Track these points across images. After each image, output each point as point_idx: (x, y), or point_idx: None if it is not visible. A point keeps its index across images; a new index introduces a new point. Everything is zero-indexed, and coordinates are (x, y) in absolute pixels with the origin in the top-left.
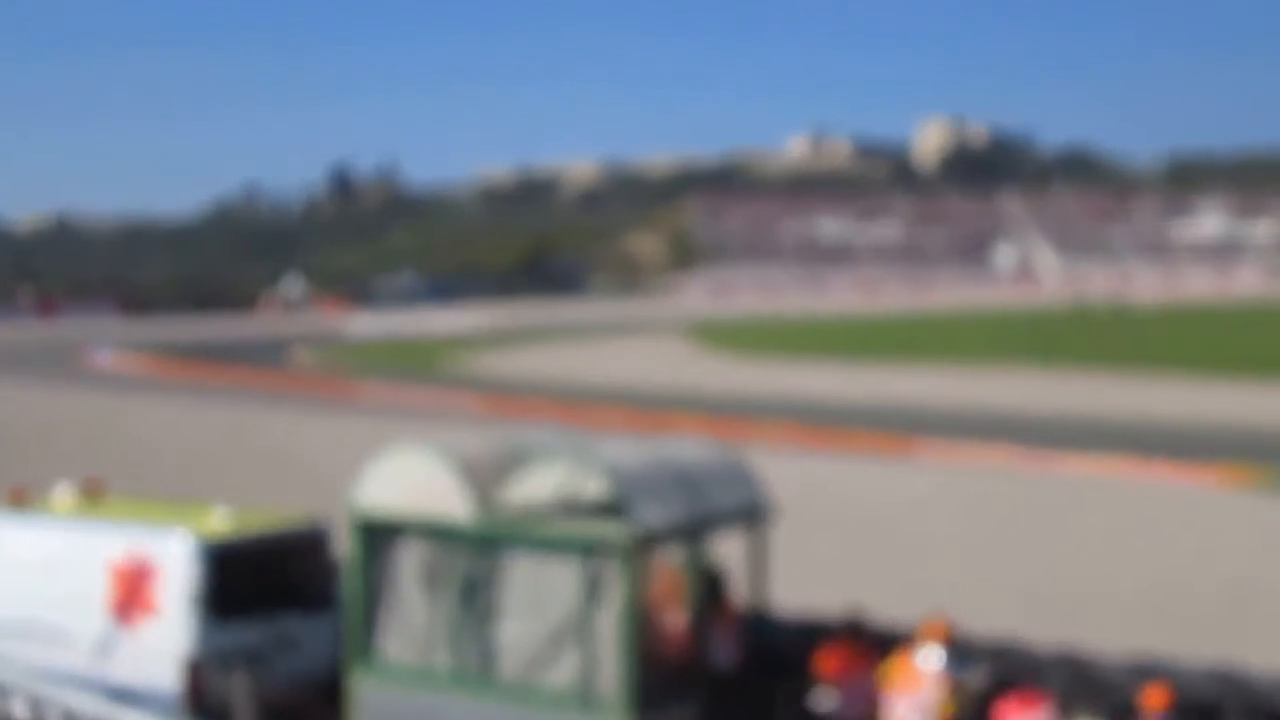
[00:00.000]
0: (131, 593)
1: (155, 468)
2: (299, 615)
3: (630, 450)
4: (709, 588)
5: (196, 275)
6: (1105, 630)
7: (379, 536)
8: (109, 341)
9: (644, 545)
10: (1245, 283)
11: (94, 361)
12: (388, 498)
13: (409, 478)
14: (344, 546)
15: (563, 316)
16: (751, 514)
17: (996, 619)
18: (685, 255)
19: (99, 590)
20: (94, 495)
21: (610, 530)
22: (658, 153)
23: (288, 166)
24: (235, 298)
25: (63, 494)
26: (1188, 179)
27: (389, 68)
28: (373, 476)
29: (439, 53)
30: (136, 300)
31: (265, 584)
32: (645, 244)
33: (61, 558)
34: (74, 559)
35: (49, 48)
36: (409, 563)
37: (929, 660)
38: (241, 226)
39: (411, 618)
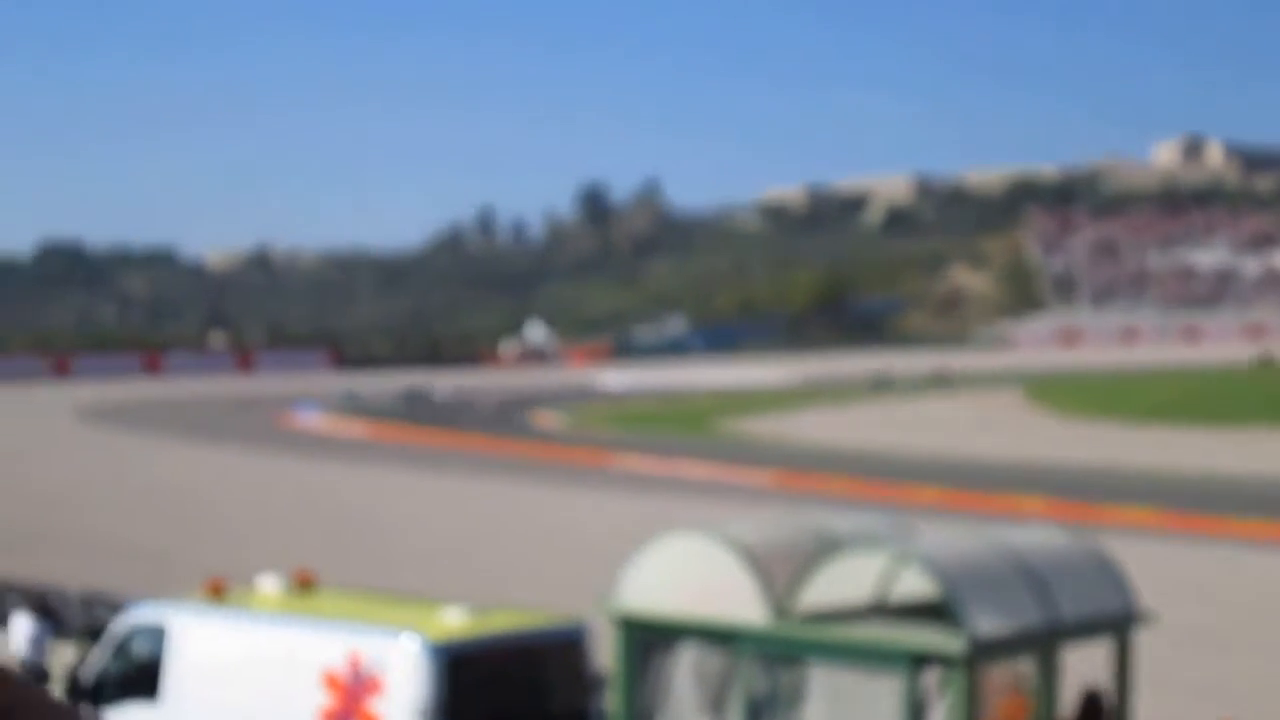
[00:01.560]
0: (349, 706)
1: (376, 553)
2: None
3: (961, 541)
4: (1086, 712)
5: (418, 318)
6: None
7: (650, 642)
8: (315, 398)
9: (981, 656)
10: None
11: (298, 422)
12: (660, 595)
13: (686, 571)
14: (606, 653)
15: (868, 369)
16: (1115, 620)
17: None
18: (1022, 292)
19: (310, 702)
20: (305, 588)
21: (939, 638)
22: (985, 166)
23: (529, 189)
24: (466, 346)
25: (268, 586)
26: None
27: (648, 69)
28: (641, 569)
29: (708, 53)
30: (347, 349)
31: (510, 698)
32: (972, 278)
33: (266, 662)
34: (281, 664)
35: (236, 46)
36: (686, 675)
37: None
38: (473, 260)
39: None
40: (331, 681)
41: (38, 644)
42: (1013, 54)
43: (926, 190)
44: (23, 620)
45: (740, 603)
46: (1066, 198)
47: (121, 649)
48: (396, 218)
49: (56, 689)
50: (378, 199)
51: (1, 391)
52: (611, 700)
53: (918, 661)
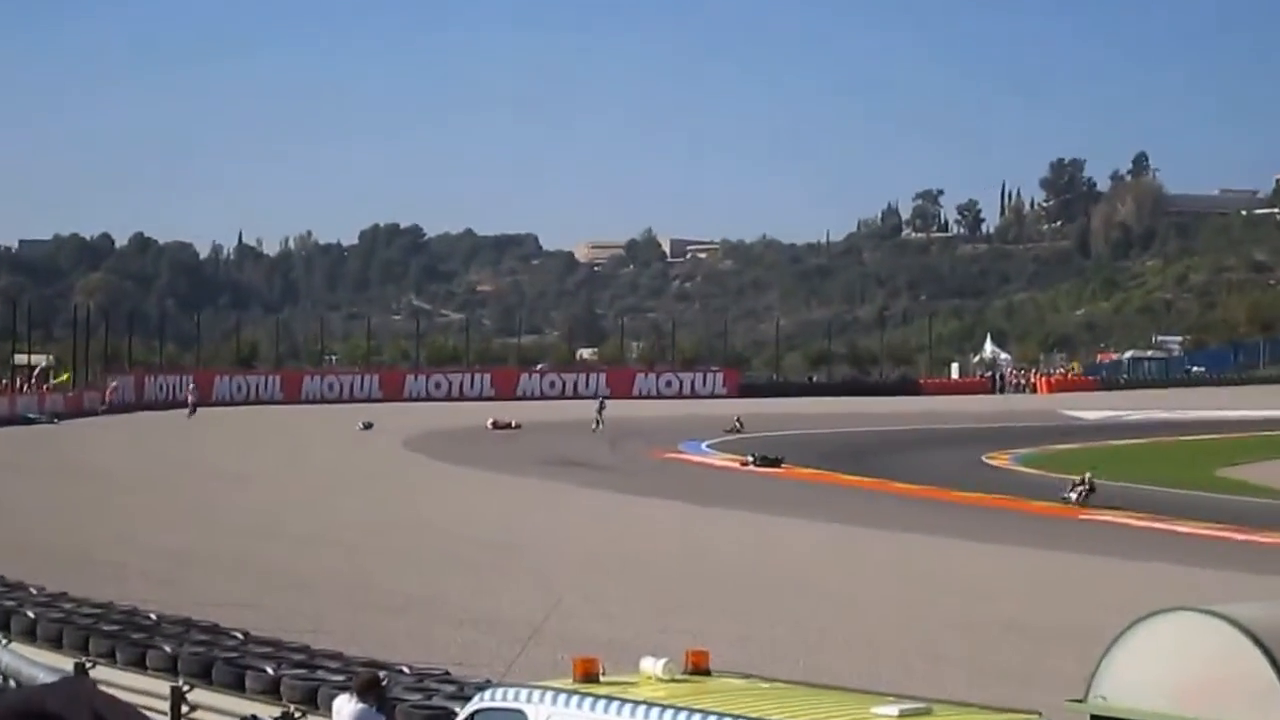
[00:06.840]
0: None
1: (785, 627)
2: None
3: None
4: None
5: (840, 329)
6: None
7: None
8: (707, 429)
9: None
10: None
11: (679, 456)
12: (1149, 690)
13: (1185, 660)
14: None
15: None
16: None
17: None
18: None
19: None
20: (697, 672)
21: None
22: None
23: (981, 168)
24: (900, 368)
25: (651, 668)
26: None
27: (1129, 27)
28: (1123, 655)
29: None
30: (749, 370)
31: None
32: None
33: None
34: None
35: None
36: None
37: None
38: (904, 257)
39: None
40: None
41: None
42: None
43: None
44: (347, 703)
45: (1254, 700)
46: None
47: None
48: (813, 206)
49: None
50: (786, 182)
51: (329, 413)
52: None
53: None
